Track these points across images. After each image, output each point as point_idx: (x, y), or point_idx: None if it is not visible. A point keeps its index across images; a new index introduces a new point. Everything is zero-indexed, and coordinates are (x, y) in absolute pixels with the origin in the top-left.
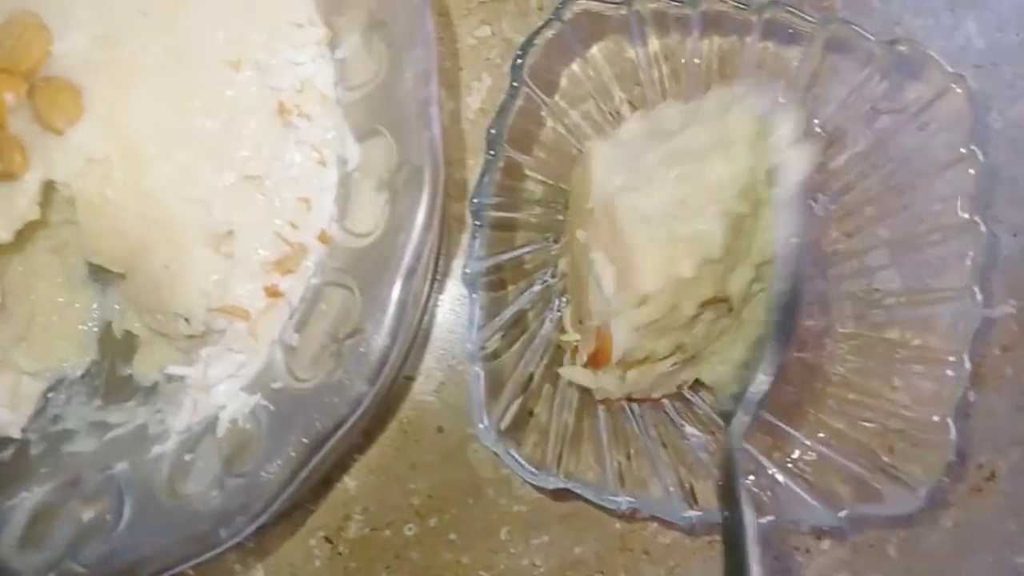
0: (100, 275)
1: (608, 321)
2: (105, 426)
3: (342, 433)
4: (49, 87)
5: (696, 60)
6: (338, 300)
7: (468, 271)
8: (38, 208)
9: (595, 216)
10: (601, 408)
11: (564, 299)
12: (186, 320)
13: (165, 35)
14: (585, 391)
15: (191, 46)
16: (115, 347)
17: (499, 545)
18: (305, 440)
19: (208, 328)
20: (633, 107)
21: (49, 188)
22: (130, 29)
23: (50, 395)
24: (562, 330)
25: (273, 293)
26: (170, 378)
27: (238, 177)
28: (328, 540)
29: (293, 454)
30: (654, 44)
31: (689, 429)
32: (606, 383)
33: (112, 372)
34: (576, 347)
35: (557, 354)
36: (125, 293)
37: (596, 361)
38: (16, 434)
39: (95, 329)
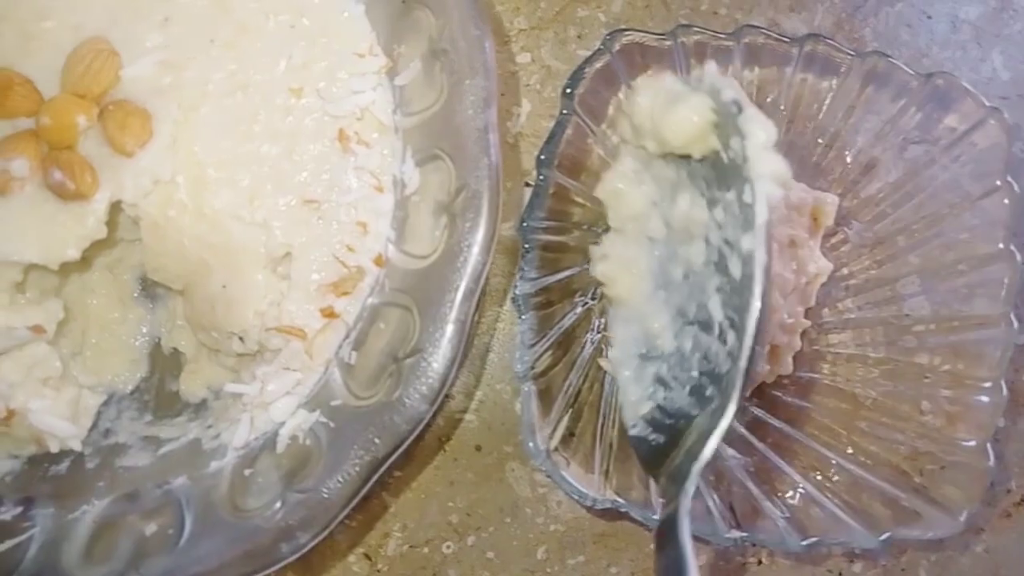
0: (150, 292)
1: None
2: (157, 441)
3: (401, 451)
4: (120, 110)
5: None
6: (396, 320)
7: (518, 292)
8: (105, 228)
9: None
10: None
11: (602, 320)
12: (240, 339)
13: (230, 62)
14: None
15: (255, 73)
16: (164, 364)
17: (536, 565)
18: (366, 457)
19: (262, 347)
20: None
21: (115, 208)
22: (197, 55)
23: (101, 409)
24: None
25: (329, 314)
26: (218, 395)
27: (297, 201)
28: (367, 557)
29: (355, 471)
30: (696, 74)
31: (730, 451)
32: None
33: (161, 388)
34: None
35: (598, 374)
36: (182, 311)
37: None
38: (77, 446)
39: (145, 346)
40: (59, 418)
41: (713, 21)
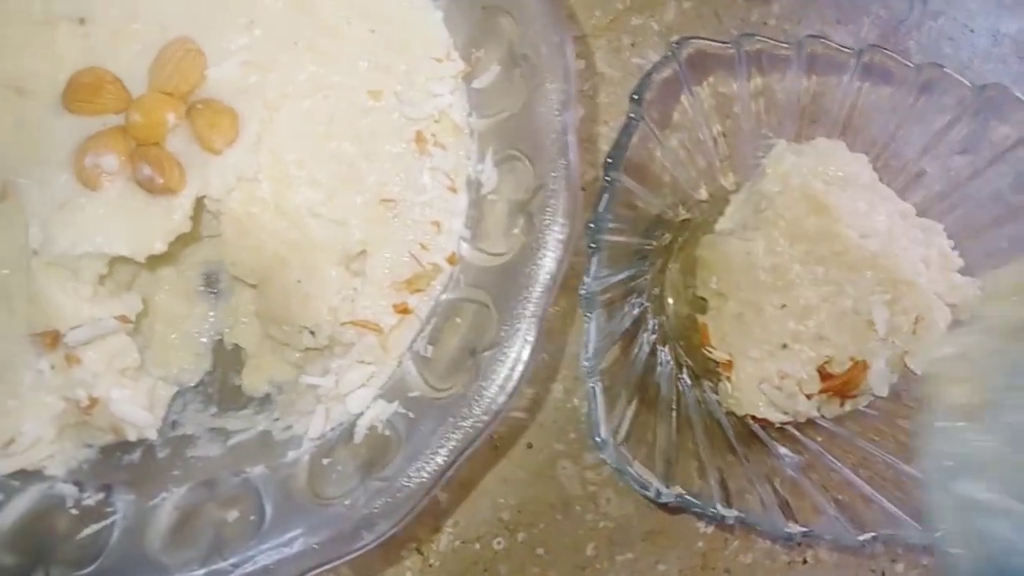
0: (213, 288)
1: (873, 354)
2: (225, 432)
3: (480, 441)
4: (208, 109)
5: (792, 97)
6: (472, 314)
7: (586, 291)
8: (190, 222)
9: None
10: (698, 423)
11: (656, 320)
12: (312, 333)
13: (312, 64)
14: (685, 407)
15: (336, 75)
16: (226, 359)
17: (585, 561)
18: (446, 447)
19: (333, 341)
20: (724, 136)
21: (198, 204)
22: (280, 57)
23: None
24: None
25: (403, 310)
26: (281, 389)
27: (374, 200)
28: (419, 551)
29: (435, 460)
30: (756, 80)
31: (782, 449)
32: (791, 406)
33: (224, 382)
34: (727, 364)
35: (651, 373)
36: (247, 306)
37: (841, 391)
38: (153, 435)
39: (208, 341)
40: (137, 407)
41: (763, 32)
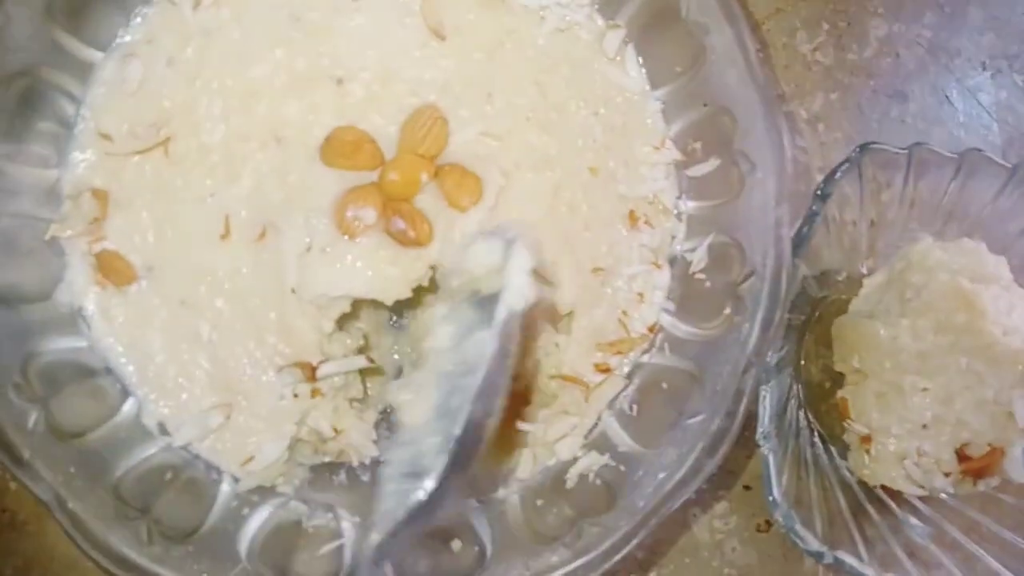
0: (397, 324)
1: (1010, 442)
2: None
3: (686, 495)
4: (456, 172)
5: (938, 195)
6: (676, 381)
7: (769, 362)
8: (431, 272)
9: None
10: (836, 485)
11: (797, 387)
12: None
13: (542, 138)
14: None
15: (562, 149)
16: None
17: None
18: (656, 497)
19: (542, 391)
20: (873, 224)
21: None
22: (514, 129)
23: None
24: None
25: (604, 369)
26: None
27: (587, 267)
28: None
29: (647, 508)
30: (911, 183)
31: (913, 520)
32: (927, 481)
33: None
34: (867, 438)
35: (797, 437)
36: None
37: (979, 472)
38: (375, 452)
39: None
40: (365, 436)
41: (901, 128)
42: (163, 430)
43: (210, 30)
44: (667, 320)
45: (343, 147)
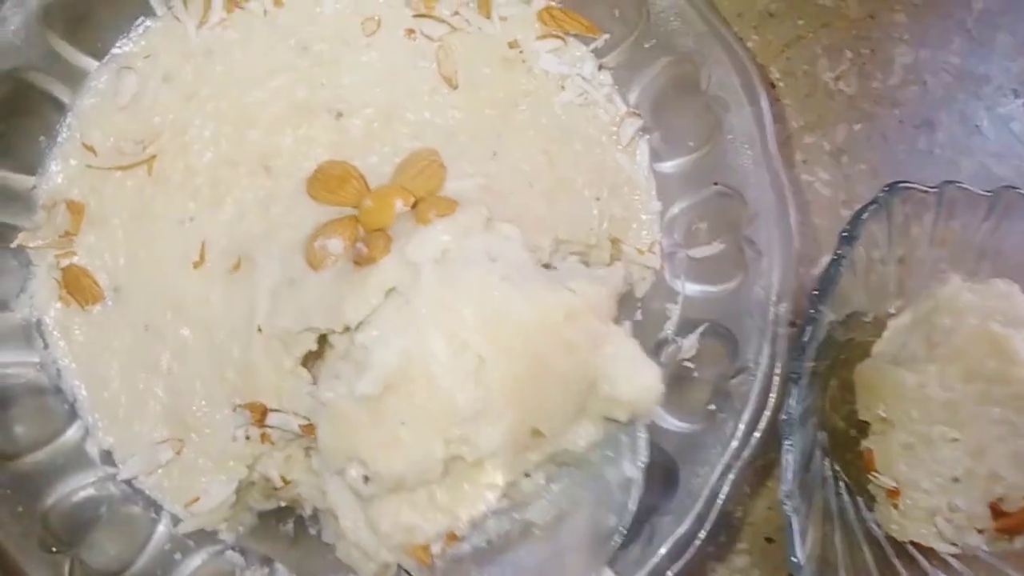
0: None
1: None
2: None
3: None
4: (436, 201)
5: (970, 233)
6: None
7: (789, 417)
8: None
9: None
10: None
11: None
12: None
13: (542, 206)
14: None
15: (561, 223)
16: None
17: None
18: None
19: None
20: (901, 263)
21: None
22: (515, 193)
23: None
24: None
25: None
26: None
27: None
28: None
29: None
30: (941, 223)
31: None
32: (959, 538)
33: None
34: (895, 491)
35: (821, 488)
36: None
37: (1016, 528)
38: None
39: None
40: (316, 489)
41: (929, 159)
42: (105, 459)
43: (212, 50)
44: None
45: (328, 181)
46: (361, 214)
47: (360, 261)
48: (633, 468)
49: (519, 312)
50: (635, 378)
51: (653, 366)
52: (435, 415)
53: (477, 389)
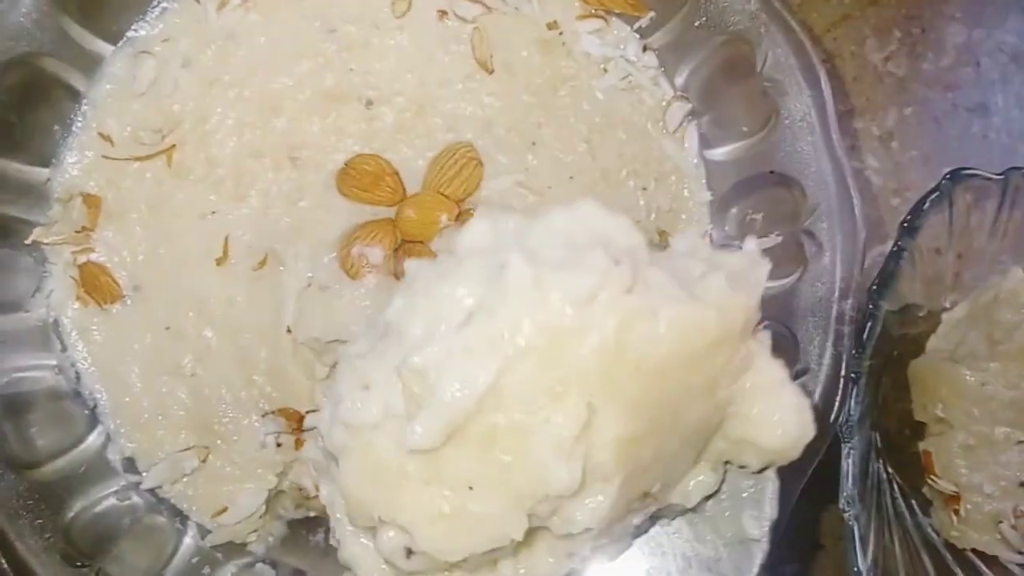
0: None
1: None
2: None
3: None
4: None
5: None
6: None
7: (851, 420)
8: None
9: None
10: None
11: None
12: None
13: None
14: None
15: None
16: None
17: None
18: None
19: None
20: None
21: None
22: (555, 187)
23: None
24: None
25: None
26: None
27: None
28: None
29: None
30: (1005, 211)
31: None
32: None
33: None
34: (954, 496)
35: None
36: None
37: None
38: None
39: None
40: None
41: (983, 144)
42: (128, 467)
43: (234, 33)
44: None
45: (362, 177)
46: (399, 221)
47: (402, 276)
48: (756, 526)
49: (645, 339)
50: (783, 419)
51: (805, 401)
52: (519, 483)
53: (580, 449)
